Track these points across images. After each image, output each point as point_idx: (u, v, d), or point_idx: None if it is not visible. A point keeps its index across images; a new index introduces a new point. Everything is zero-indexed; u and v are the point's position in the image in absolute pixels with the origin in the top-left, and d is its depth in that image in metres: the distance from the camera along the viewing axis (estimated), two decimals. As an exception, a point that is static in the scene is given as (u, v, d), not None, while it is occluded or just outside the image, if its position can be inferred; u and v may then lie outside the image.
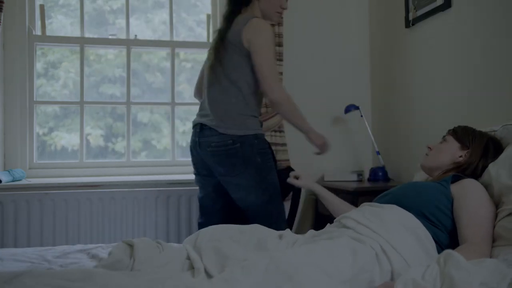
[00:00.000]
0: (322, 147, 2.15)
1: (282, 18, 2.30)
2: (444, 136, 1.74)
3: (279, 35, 2.86)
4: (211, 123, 2.02)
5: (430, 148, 1.75)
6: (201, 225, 2.16)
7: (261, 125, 2.13)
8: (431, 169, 1.71)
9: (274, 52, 2.04)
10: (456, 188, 1.49)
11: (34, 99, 2.90)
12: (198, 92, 2.32)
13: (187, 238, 1.46)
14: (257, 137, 2.04)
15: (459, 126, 1.73)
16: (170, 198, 2.73)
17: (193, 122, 2.14)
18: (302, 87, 3.06)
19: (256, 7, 2.12)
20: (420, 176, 1.96)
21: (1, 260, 1.53)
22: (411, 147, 2.74)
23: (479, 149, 1.63)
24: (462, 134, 1.68)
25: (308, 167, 3.03)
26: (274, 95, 1.98)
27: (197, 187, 2.24)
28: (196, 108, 2.23)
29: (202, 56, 3.19)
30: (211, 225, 1.70)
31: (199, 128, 2.06)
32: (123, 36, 3.06)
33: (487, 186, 1.53)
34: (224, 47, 2.04)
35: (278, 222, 2.04)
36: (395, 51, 2.89)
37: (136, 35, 3.07)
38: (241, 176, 2.00)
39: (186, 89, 3.18)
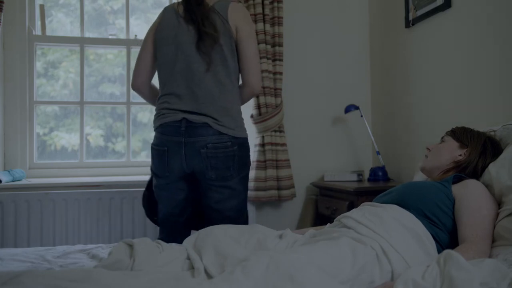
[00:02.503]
0: None
1: None
2: (442, 138, 1.75)
3: (279, 35, 2.86)
4: (208, 120, 1.81)
5: (429, 149, 1.75)
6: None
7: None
8: (431, 170, 1.71)
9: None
10: (457, 188, 1.49)
11: (34, 99, 2.90)
12: (148, 81, 2.02)
13: (187, 238, 1.46)
14: (247, 141, 1.95)
15: (457, 127, 1.74)
16: (170, 198, 2.72)
17: (167, 118, 1.85)
18: (302, 87, 3.07)
19: None
20: (420, 176, 1.96)
21: (1, 260, 1.53)
22: (411, 147, 2.73)
23: (477, 147, 1.63)
24: (460, 134, 1.69)
25: (308, 167, 3.04)
26: (259, 87, 1.94)
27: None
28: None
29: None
30: (174, 241, 1.64)
31: (185, 126, 1.82)
32: (123, 36, 3.06)
33: (487, 187, 1.53)
34: (212, 29, 1.84)
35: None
36: (395, 51, 2.89)
37: (136, 35, 3.07)
38: (232, 181, 1.87)
39: (186, 89, 3.18)
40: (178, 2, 1.98)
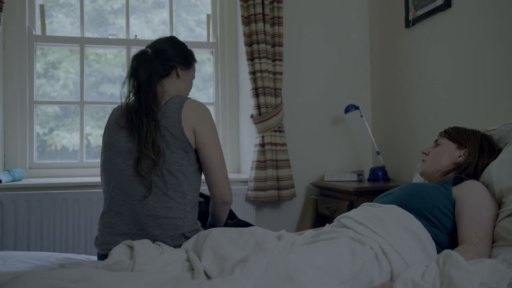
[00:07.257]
0: None
1: None
2: (436, 140, 1.73)
3: (279, 35, 2.86)
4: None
5: (425, 153, 1.73)
6: None
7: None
8: (431, 174, 1.70)
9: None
10: (458, 190, 1.49)
11: (34, 99, 2.90)
12: None
13: (186, 242, 1.46)
14: None
15: (450, 128, 1.73)
16: (170, 198, 2.72)
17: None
18: (302, 87, 3.07)
19: (174, 83, 1.68)
20: (419, 177, 1.95)
21: (4, 261, 1.53)
22: (411, 147, 2.74)
23: (476, 146, 1.63)
24: (456, 134, 1.68)
25: (308, 167, 3.04)
26: (230, 197, 1.63)
27: None
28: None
29: (201, 56, 3.20)
30: None
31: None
32: (123, 36, 3.06)
33: (487, 187, 1.53)
34: (158, 133, 1.51)
35: None
36: (395, 51, 2.89)
37: (136, 35, 3.07)
38: None
39: (186, 89, 3.18)
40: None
